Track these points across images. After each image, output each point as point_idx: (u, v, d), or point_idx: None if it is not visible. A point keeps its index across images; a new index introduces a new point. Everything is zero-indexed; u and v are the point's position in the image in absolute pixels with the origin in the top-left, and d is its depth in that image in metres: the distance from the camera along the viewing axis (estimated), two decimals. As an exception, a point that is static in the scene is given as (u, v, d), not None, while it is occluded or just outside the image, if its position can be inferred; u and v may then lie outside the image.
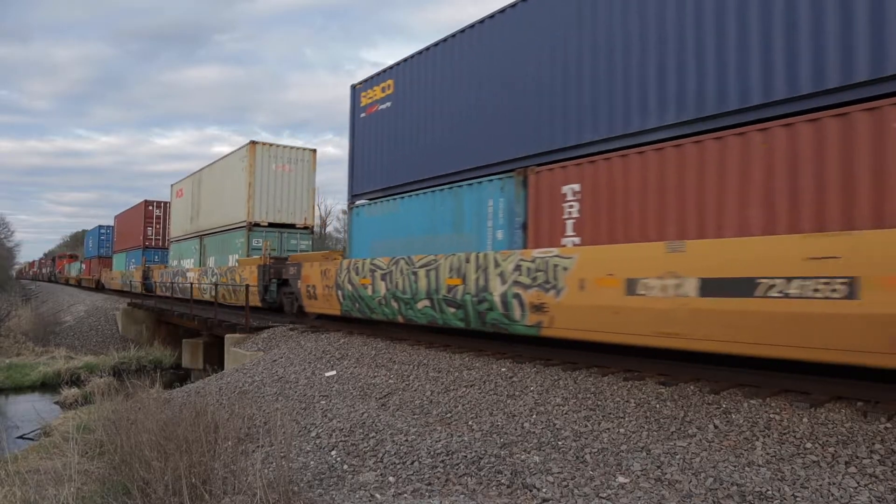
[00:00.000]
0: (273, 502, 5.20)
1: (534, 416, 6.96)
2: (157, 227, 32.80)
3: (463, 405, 7.72)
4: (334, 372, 10.35)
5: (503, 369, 8.62)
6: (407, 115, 11.77)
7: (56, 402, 16.02)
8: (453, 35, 10.66)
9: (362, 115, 13.21)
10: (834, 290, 5.51)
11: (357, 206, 13.32)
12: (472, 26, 10.28)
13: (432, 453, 6.33)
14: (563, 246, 8.25)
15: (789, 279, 5.78)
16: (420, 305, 10.42)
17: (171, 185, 28.78)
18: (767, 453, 5.31)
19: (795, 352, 5.88)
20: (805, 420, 5.68)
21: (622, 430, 6.23)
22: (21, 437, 11.57)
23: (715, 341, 6.43)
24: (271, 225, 20.07)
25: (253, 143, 19.75)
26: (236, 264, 19.62)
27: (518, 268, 8.53)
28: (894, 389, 5.87)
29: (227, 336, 15.11)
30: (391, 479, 5.97)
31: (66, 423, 10.31)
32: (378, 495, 5.61)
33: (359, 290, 11.86)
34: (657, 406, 6.58)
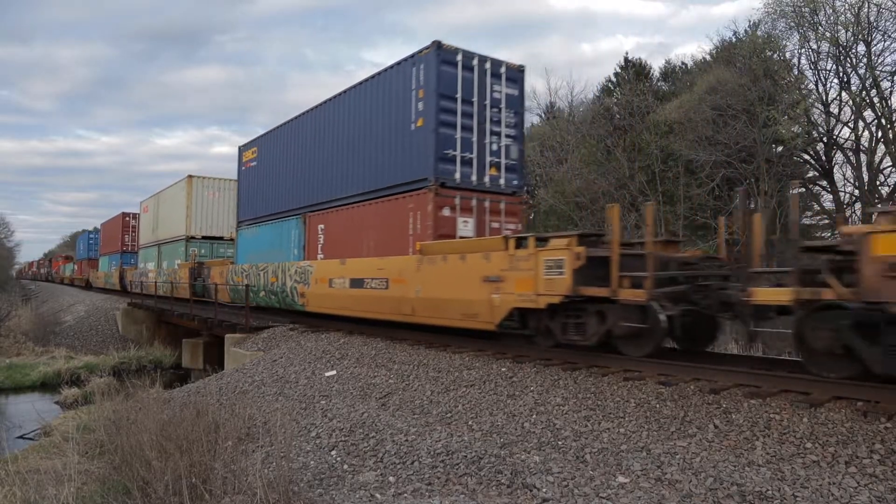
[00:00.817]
0: (273, 502, 5.20)
1: (534, 416, 6.96)
2: (133, 234, 37.78)
3: (463, 405, 7.72)
4: (334, 372, 10.36)
5: (503, 369, 8.62)
6: (262, 173, 18.22)
7: (56, 402, 16.01)
8: (280, 126, 16.89)
9: (243, 167, 19.54)
10: (383, 284, 11.45)
11: (241, 228, 19.38)
12: (286, 123, 16.59)
13: (432, 453, 6.34)
14: (313, 260, 14.45)
15: (372, 279, 11.76)
16: (262, 294, 16.63)
17: (140, 202, 34.37)
18: (767, 453, 5.31)
19: (378, 315, 11.64)
20: (805, 420, 5.68)
21: (622, 430, 6.23)
22: (21, 437, 11.56)
23: (356, 311, 12.37)
24: (205, 237, 25.72)
25: (190, 176, 25.70)
26: (178, 267, 25.09)
27: (296, 272, 14.83)
28: (894, 389, 5.88)
29: (227, 336, 15.13)
30: (391, 478, 5.97)
31: (67, 423, 10.32)
32: (378, 495, 5.62)
33: (237, 285, 18.04)
34: (657, 406, 6.58)
